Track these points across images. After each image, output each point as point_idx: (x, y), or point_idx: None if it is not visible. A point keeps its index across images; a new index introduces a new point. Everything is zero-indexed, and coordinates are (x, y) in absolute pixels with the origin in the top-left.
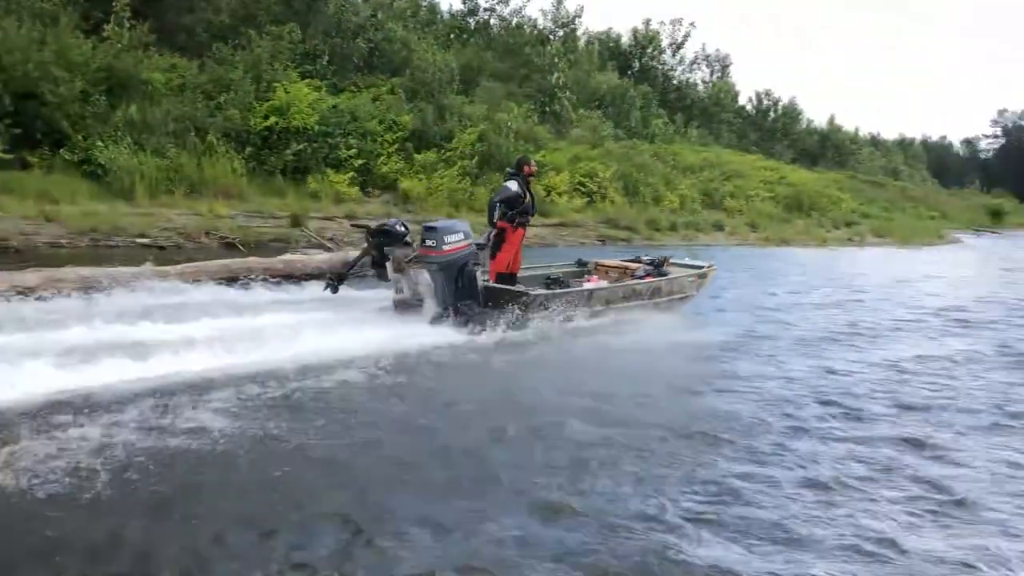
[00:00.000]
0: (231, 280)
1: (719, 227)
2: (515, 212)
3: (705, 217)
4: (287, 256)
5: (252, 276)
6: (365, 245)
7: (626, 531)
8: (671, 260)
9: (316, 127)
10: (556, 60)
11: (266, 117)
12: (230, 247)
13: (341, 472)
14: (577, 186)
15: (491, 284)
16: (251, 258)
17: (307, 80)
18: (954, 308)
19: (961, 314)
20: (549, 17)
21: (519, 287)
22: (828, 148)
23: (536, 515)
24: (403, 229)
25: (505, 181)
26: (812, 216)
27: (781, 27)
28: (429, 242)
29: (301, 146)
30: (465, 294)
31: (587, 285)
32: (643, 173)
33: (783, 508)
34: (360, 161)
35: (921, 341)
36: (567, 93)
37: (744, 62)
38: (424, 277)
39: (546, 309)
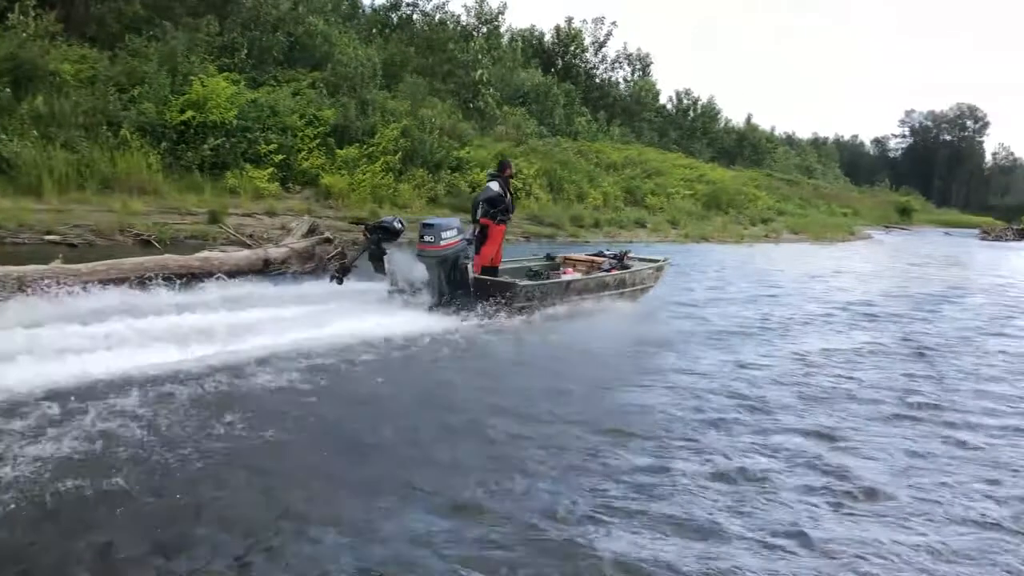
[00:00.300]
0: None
1: (641, 224)
2: (496, 210)
3: (628, 214)
4: (205, 253)
5: (166, 274)
6: (363, 240)
7: (535, 528)
8: (630, 254)
9: (235, 122)
10: (479, 57)
11: (182, 111)
12: (146, 244)
13: (249, 473)
14: None
15: (480, 276)
16: (167, 255)
17: (225, 74)
18: (862, 302)
19: (868, 308)
20: (472, 13)
21: (506, 279)
22: (745, 147)
23: (444, 514)
24: (400, 226)
25: (488, 182)
26: (730, 213)
27: (700, 27)
28: (427, 238)
29: (219, 141)
30: (458, 285)
31: (564, 277)
32: (567, 170)
33: (693, 500)
34: (280, 156)
35: (829, 335)
36: (491, 90)
37: (664, 62)
38: (420, 269)
39: (530, 299)
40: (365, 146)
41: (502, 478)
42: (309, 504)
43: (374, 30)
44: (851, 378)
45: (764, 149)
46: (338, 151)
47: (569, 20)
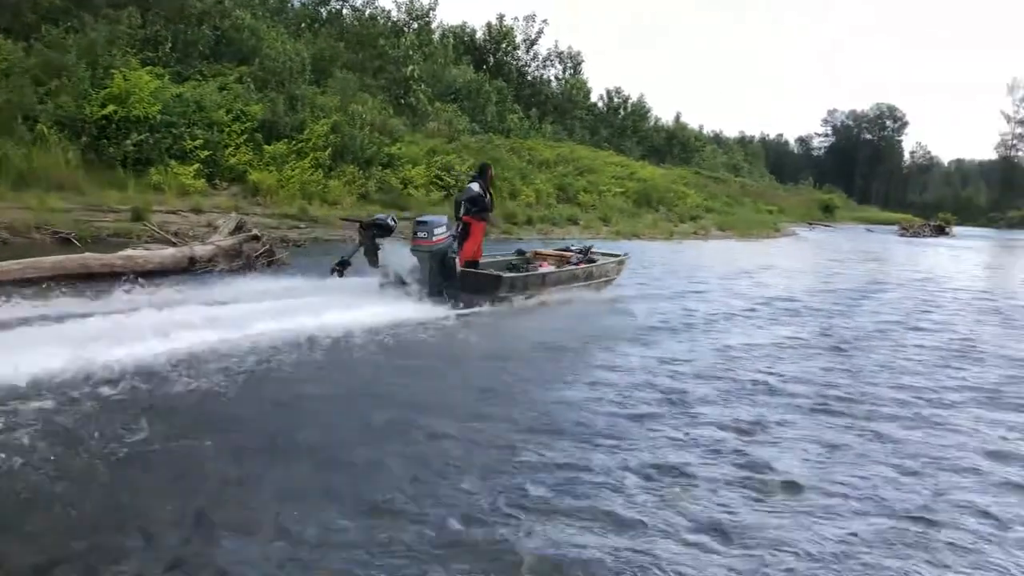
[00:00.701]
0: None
1: (574, 221)
2: (477, 209)
3: (560, 211)
4: (128, 252)
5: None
6: (360, 236)
7: (452, 528)
8: (593, 249)
9: (159, 116)
10: (411, 52)
11: (103, 105)
12: (65, 243)
13: (164, 478)
14: (434, 179)
15: (467, 269)
16: (87, 254)
17: (148, 67)
18: (785, 298)
19: (791, 303)
20: (403, 9)
21: (492, 271)
22: (675, 145)
23: (361, 516)
24: (393, 223)
25: (469, 183)
26: (660, 210)
27: (629, 26)
28: (421, 234)
29: (142, 136)
30: (447, 277)
31: (541, 269)
32: (500, 168)
33: (613, 496)
34: (206, 152)
35: (752, 330)
36: (422, 86)
37: (595, 60)
38: (409, 263)
39: (512, 289)
40: (294, 142)
41: (422, 478)
42: (223, 509)
43: (303, 25)
44: (771, 372)
45: (693, 147)
46: (266, 147)
47: (500, 17)
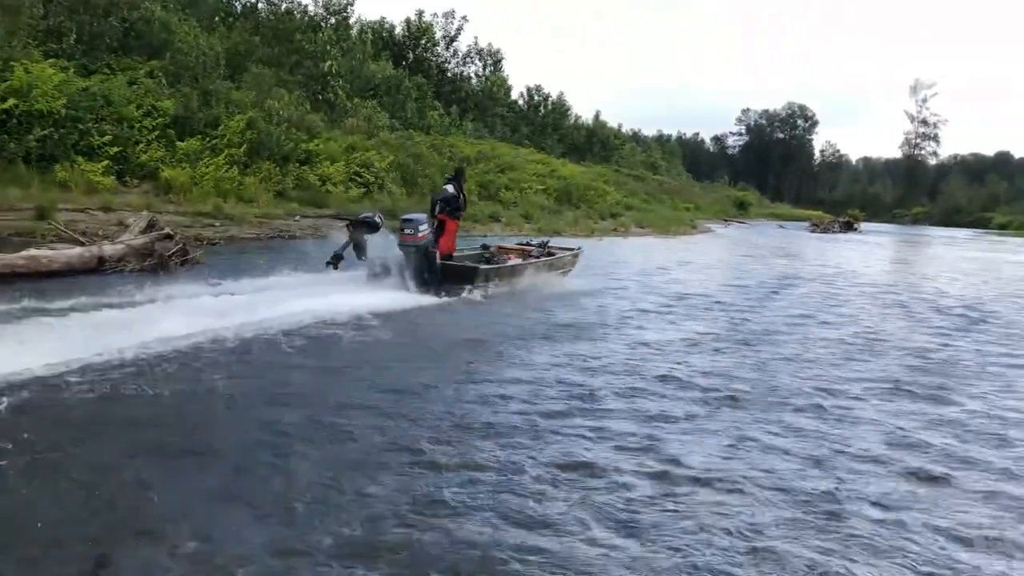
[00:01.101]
0: None
1: (496, 218)
2: (451, 208)
3: (482, 208)
4: (31, 251)
5: None
6: (349, 233)
7: (360, 532)
8: (550, 244)
9: (64, 111)
10: (328, 48)
11: (3, 99)
12: None
13: (66, 485)
14: (353, 176)
15: (448, 262)
16: None
17: (52, 60)
18: (699, 293)
19: (704, 299)
20: (320, 4)
21: (470, 264)
22: (594, 143)
23: (268, 523)
24: (380, 221)
25: (444, 185)
26: (581, 208)
27: (549, 24)
28: (408, 231)
29: (46, 132)
30: (429, 270)
31: (511, 262)
32: (420, 164)
33: (523, 493)
34: (116, 149)
35: (665, 325)
36: (340, 82)
37: (515, 58)
38: (398, 257)
39: (487, 279)
40: (208, 138)
41: (330, 479)
42: (128, 514)
43: (216, 18)
44: (681, 367)
45: (612, 145)
46: (179, 143)
47: (419, 13)
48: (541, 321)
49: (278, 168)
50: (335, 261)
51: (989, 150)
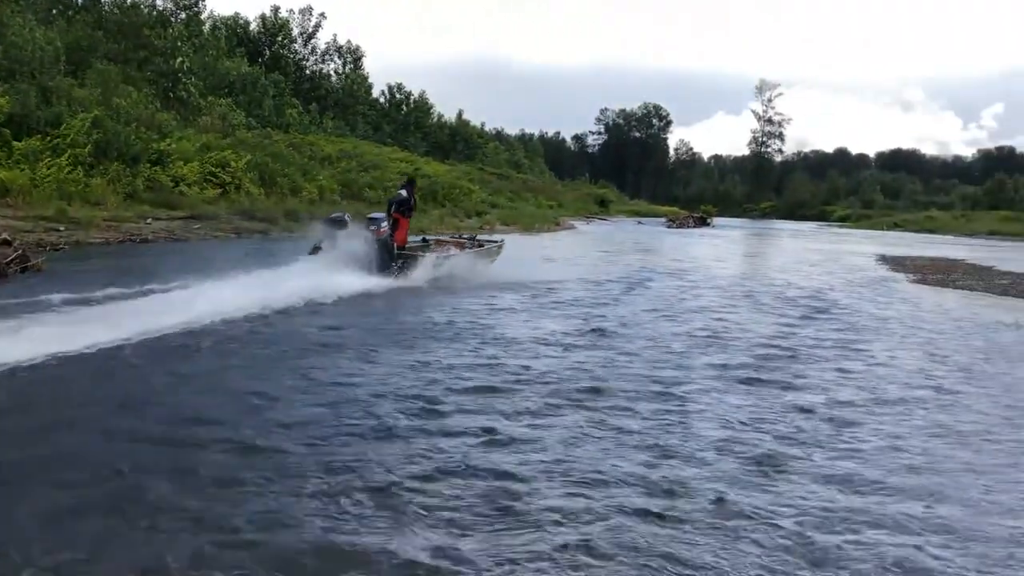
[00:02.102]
0: None
1: (294, 217)
2: (405, 209)
3: (345, 208)
4: None
5: None
6: (324, 228)
7: (185, 539)
8: (478, 236)
9: None
10: (179, 43)
11: None
12: None
13: None
14: (208, 176)
15: (403, 251)
16: None
17: None
18: (557, 290)
19: (560, 295)
20: None
21: (420, 253)
22: (458, 142)
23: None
24: (348, 219)
25: (399, 190)
26: (446, 206)
27: (409, 22)
28: (373, 227)
29: None
30: (390, 257)
31: (453, 251)
32: (279, 163)
33: (350, 511)
34: None
35: (517, 324)
36: (192, 79)
37: (376, 55)
38: (362, 247)
39: (437, 266)
40: (49, 138)
41: (172, 490)
42: None
43: (54, 11)
44: (528, 368)
45: (476, 144)
46: (16, 143)
47: (275, 9)
48: (394, 321)
49: (128, 169)
50: (315, 251)
51: (829, 147)
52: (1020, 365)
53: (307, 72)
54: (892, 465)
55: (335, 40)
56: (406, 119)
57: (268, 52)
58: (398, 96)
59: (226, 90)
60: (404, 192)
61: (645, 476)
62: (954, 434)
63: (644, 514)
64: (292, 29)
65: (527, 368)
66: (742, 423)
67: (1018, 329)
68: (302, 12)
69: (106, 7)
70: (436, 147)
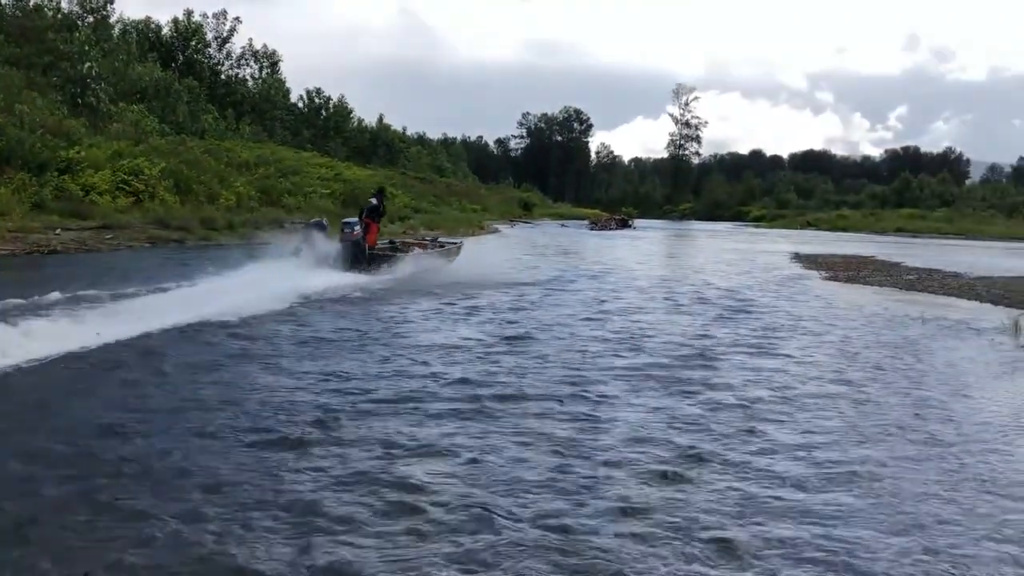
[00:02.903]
0: None
1: (279, 224)
2: (375, 215)
3: (264, 214)
4: None
5: None
6: (303, 232)
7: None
8: (440, 238)
9: None
10: (87, 48)
11: None
12: None
13: None
14: (121, 185)
15: (373, 252)
16: None
17: None
18: (476, 294)
19: (480, 300)
20: (75, 1)
21: (391, 253)
22: (379, 146)
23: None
24: (326, 223)
25: (370, 199)
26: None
27: (325, 27)
28: (347, 230)
29: None
30: (362, 257)
31: (418, 251)
32: (195, 170)
33: (243, 534)
34: None
35: (430, 332)
36: (102, 85)
37: (293, 60)
38: (336, 249)
39: (405, 264)
40: None
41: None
42: None
43: None
44: (438, 376)
45: (397, 148)
46: None
47: (188, 13)
48: (305, 329)
49: (34, 178)
50: (296, 252)
51: (744, 149)
52: (926, 358)
53: (222, 77)
54: (803, 465)
55: (251, 44)
56: (325, 124)
57: (181, 57)
58: (317, 100)
59: (138, 96)
60: (375, 200)
61: (552, 482)
62: (863, 431)
63: (552, 518)
64: (206, 33)
65: (436, 376)
66: (654, 426)
67: (923, 323)
68: (216, 16)
69: (7, 10)
70: (357, 152)
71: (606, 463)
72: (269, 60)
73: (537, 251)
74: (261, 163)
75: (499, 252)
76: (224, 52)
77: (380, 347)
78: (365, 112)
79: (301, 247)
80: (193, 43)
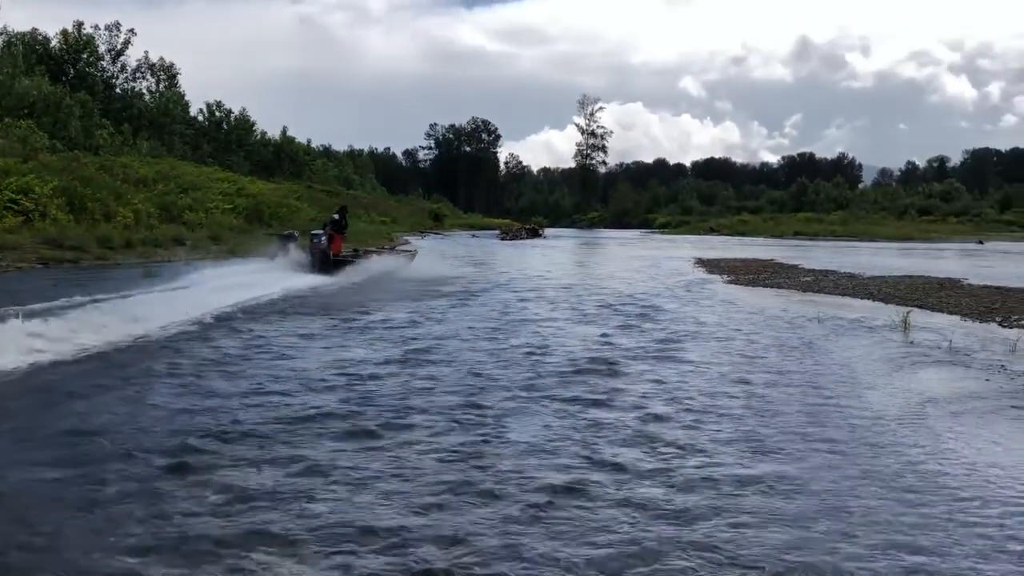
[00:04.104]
0: None
1: (180, 241)
2: (338, 228)
3: (164, 231)
4: None
5: None
6: (279, 242)
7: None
8: (400, 243)
9: None
10: None
11: None
12: None
13: None
14: (8, 204)
15: (339, 258)
16: None
17: None
18: (376, 309)
19: (381, 315)
20: None
21: (349, 256)
22: (283, 159)
23: None
24: (296, 235)
25: (333, 215)
26: (274, 226)
27: (226, 39)
28: (315, 241)
29: None
30: (328, 262)
31: (375, 254)
32: (90, 188)
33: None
34: None
35: (334, 349)
36: None
37: (192, 73)
38: (304, 256)
39: (368, 264)
40: None
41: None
42: None
43: None
44: (326, 397)
45: (302, 161)
46: None
47: (79, 25)
48: (200, 351)
49: None
50: (273, 258)
51: (649, 158)
52: (823, 359)
53: (117, 91)
54: (702, 470)
55: (147, 57)
56: (227, 137)
57: (72, 70)
58: (218, 114)
59: (26, 111)
60: (337, 216)
61: (434, 523)
62: (763, 436)
63: (441, 537)
64: (99, 46)
65: (316, 403)
66: (550, 443)
67: (820, 323)
68: (109, 28)
69: None
70: (260, 165)
71: (497, 480)
72: (167, 73)
73: (446, 262)
74: (160, 179)
75: (410, 264)
76: (119, 65)
77: (257, 370)
78: (268, 125)
79: (277, 253)
80: (85, 56)
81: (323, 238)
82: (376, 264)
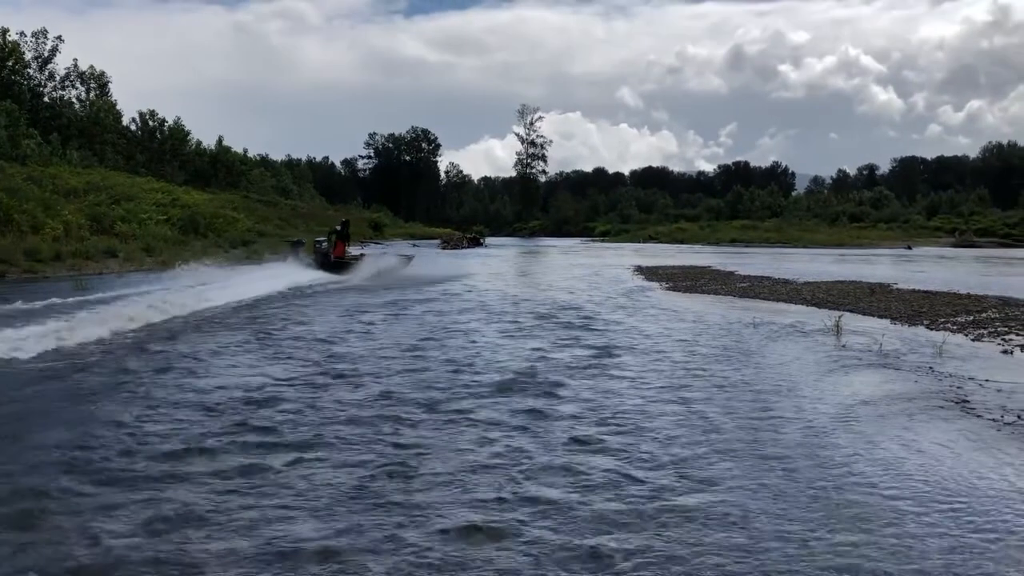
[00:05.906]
0: None
1: (112, 253)
2: (340, 236)
3: (95, 243)
4: None
5: None
6: (290, 247)
7: None
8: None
9: None
10: None
11: None
12: None
13: None
14: None
15: (341, 260)
16: None
17: None
18: (300, 324)
19: (303, 331)
20: None
21: (351, 260)
22: (219, 169)
23: None
24: (303, 241)
25: (336, 226)
26: (210, 237)
27: (157, 47)
28: (317, 246)
29: None
30: (328, 263)
31: (373, 258)
32: (16, 199)
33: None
34: None
35: (229, 372)
36: None
37: (125, 82)
38: (310, 258)
39: (371, 265)
40: None
41: None
42: None
43: None
44: (228, 418)
45: (239, 171)
46: None
47: (3, 31)
48: (73, 371)
49: None
50: (285, 259)
51: (588, 167)
52: (759, 363)
53: (45, 100)
54: (627, 510)
55: (76, 65)
56: (161, 147)
57: None
58: (151, 123)
59: None
60: (340, 227)
61: (333, 550)
62: (698, 461)
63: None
64: (25, 53)
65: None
66: (463, 474)
67: (756, 327)
68: (36, 35)
69: None
70: (196, 175)
71: (416, 506)
72: (97, 81)
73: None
74: (91, 190)
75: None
76: (46, 73)
77: (168, 389)
78: (204, 134)
79: (289, 256)
80: (10, 63)
81: (325, 243)
82: (370, 266)
